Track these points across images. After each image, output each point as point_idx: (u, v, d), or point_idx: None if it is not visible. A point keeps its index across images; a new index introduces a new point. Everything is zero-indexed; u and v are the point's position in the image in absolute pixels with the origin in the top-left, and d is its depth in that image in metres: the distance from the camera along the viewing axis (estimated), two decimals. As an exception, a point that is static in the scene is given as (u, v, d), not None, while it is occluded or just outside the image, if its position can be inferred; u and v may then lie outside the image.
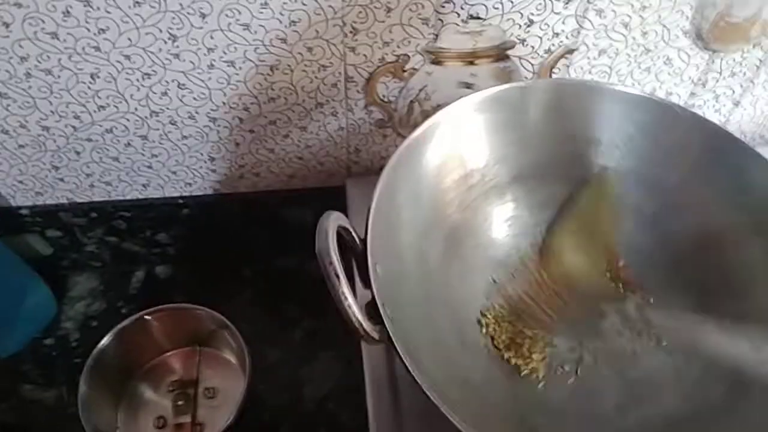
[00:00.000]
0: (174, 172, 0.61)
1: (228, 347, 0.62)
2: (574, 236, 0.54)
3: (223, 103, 0.54)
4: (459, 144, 0.50)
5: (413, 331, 0.40)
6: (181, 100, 0.54)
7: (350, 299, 0.34)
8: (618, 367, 0.48)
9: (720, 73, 0.59)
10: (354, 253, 0.41)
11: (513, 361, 0.47)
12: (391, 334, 0.36)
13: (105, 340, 0.55)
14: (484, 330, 0.48)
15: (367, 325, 0.35)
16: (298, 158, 0.61)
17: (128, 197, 0.64)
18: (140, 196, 0.64)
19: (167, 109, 0.54)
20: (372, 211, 0.41)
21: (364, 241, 0.40)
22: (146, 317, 0.57)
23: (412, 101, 0.57)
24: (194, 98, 0.54)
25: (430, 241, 0.49)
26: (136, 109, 0.54)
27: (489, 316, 0.49)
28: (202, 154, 0.59)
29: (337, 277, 0.34)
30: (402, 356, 0.36)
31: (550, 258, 0.52)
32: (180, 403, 0.58)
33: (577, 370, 0.47)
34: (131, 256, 0.71)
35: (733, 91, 0.61)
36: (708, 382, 0.45)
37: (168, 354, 0.62)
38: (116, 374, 0.57)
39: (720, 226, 0.49)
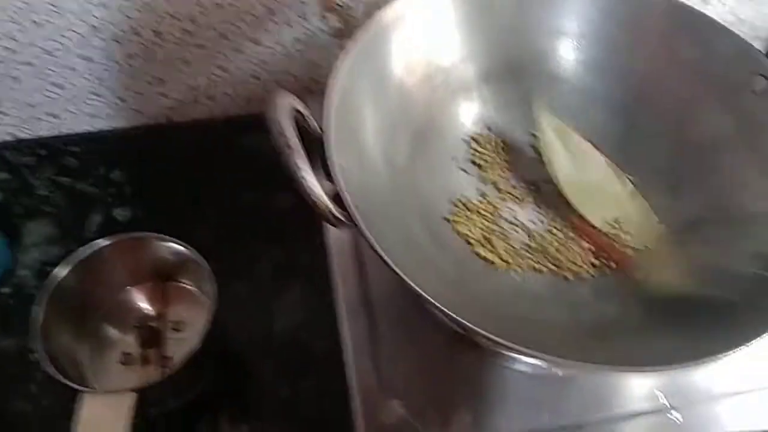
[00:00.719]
0: (123, 99, 0.58)
1: (194, 279, 0.59)
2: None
3: (168, 14, 0.51)
4: (423, 41, 0.48)
5: (382, 228, 0.38)
6: (122, 12, 0.50)
7: (305, 170, 0.32)
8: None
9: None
10: (314, 144, 0.39)
11: (486, 255, 0.46)
12: (356, 218, 0.34)
13: (60, 269, 0.52)
14: (455, 226, 0.47)
15: (326, 199, 0.33)
16: (254, 78, 0.58)
17: (77, 130, 0.60)
18: (90, 129, 0.60)
19: (109, 23, 0.51)
20: (330, 102, 0.39)
21: (323, 134, 0.38)
22: (103, 246, 0.54)
23: (371, 5, 0.55)
24: (137, 10, 0.50)
25: (395, 141, 0.47)
26: (74, 24, 0.51)
27: (459, 213, 0.47)
28: (151, 76, 0.56)
29: (289, 147, 0.32)
30: (368, 239, 0.34)
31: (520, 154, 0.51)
32: (146, 336, 0.55)
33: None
34: (86, 198, 0.67)
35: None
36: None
37: (131, 289, 0.59)
38: (76, 310, 0.54)
39: (689, 106, 0.48)
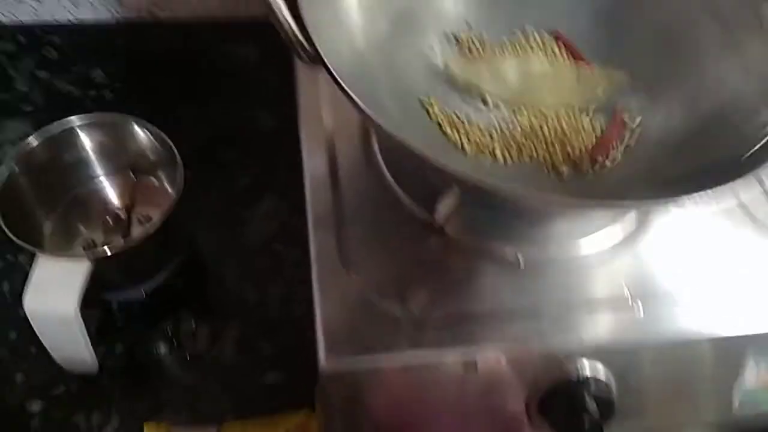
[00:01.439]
0: (106, -15, 0.57)
1: (167, 177, 0.58)
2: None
3: None
4: None
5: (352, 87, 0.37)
6: None
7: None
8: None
9: None
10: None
11: (456, 138, 0.45)
12: (321, 53, 0.34)
13: (32, 139, 0.51)
14: (428, 108, 0.46)
15: (293, 24, 0.32)
16: (242, -25, 0.58)
17: (57, 18, 0.59)
18: (71, 18, 0.59)
19: None
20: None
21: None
22: (76, 128, 0.53)
23: None
24: None
25: (374, 19, 0.46)
26: None
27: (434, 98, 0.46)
28: (135, -38, 0.55)
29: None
30: (334, 73, 0.33)
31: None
32: (111, 223, 0.54)
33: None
34: (65, 99, 0.67)
35: None
36: (659, 158, 0.43)
37: (103, 178, 0.58)
38: (44, 185, 0.53)
39: (674, 12, 0.47)
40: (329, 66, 0.32)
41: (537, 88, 0.48)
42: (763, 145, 0.36)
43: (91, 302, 0.47)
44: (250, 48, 0.63)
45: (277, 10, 0.31)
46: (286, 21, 0.32)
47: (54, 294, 0.45)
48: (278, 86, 0.55)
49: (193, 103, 0.68)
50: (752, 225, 0.48)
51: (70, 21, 0.60)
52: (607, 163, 0.44)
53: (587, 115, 0.47)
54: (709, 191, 0.31)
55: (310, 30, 0.34)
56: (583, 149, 0.44)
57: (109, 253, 0.48)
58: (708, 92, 0.44)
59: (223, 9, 0.60)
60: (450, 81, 0.47)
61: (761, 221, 0.47)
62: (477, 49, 0.49)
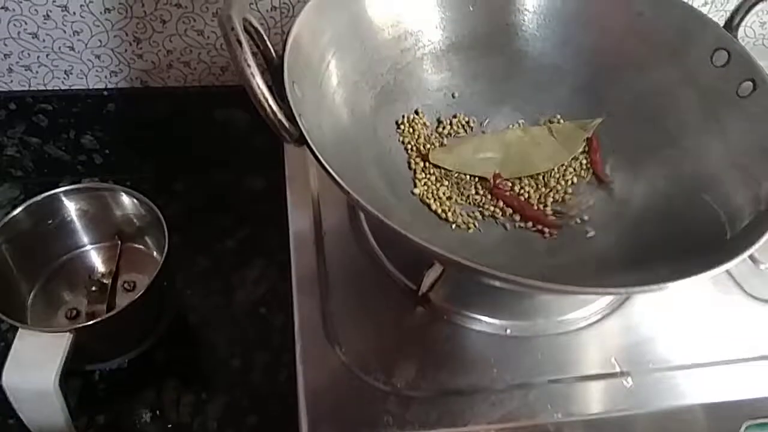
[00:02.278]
0: (98, 56, 0.58)
1: (153, 243, 0.58)
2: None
3: (148, -33, 0.52)
4: (395, 2, 0.48)
5: (336, 163, 0.38)
6: (102, -39, 0.51)
7: (254, 67, 0.32)
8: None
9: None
10: (268, 65, 0.39)
11: (442, 212, 0.45)
12: (305, 133, 0.34)
13: (16, 210, 0.51)
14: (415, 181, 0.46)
15: (273, 102, 0.32)
16: (231, 45, 0.59)
17: (49, 87, 0.60)
18: (63, 86, 0.60)
19: (88, -29, 0.52)
20: (292, 33, 0.39)
21: (281, 57, 0.38)
22: (61, 195, 0.53)
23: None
24: (116, -41, 0.51)
25: (358, 92, 0.47)
26: (53, -31, 0.51)
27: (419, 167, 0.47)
28: (126, 33, 0.57)
29: (239, 43, 0.31)
30: (317, 154, 0.33)
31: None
32: (94, 289, 0.54)
33: (505, 225, 0.45)
34: (55, 163, 0.67)
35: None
36: (643, 225, 0.44)
37: (88, 247, 0.58)
38: (28, 254, 0.53)
39: (657, 85, 0.48)
40: (313, 147, 0.33)
41: (522, 156, 0.48)
42: (747, 225, 0.36)
43: (73, 373, 0.46)
44: (240, 113, 0.64)
45: (260, 95, 0.32)
46: (269, 105, 0.32)
47: (33, 369, 0.44)
48: (268, 150, 0.56)
49: (182, 168, 0.69)
50: (738, 290, 0.47)
51: (61, 89, 0.60)
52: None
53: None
54: (694, 277, 0.31)
55: (295, 110, 0.34)
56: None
57: (91, 324, 0.47)
58: (690, 163, 0.44)
59: (212, 78, 0.61)
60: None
61: (747, 287, 0.47)
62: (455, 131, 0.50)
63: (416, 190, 0.46)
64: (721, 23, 0.46)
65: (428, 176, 0.46)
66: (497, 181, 0.46)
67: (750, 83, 0.43)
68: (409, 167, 0.47)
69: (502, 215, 0.46)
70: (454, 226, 0.44)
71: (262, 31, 0.38)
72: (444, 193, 0.46)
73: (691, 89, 0.46)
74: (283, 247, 0.51)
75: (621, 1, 0.49)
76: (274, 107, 0.32)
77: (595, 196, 0.48)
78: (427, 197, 0.45)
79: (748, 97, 0.43)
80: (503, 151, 0.48)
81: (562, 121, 0.51)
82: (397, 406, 0.38)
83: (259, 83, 0.32)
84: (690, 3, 0.58)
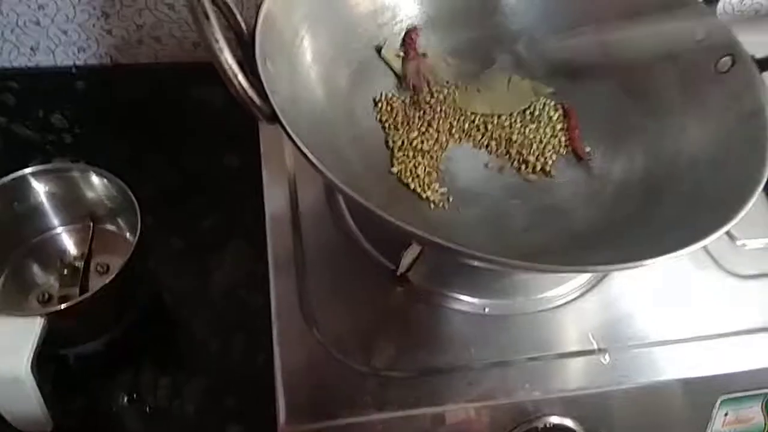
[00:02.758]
0: (65, 32, 0.56)
1: (126, 225, 0.57)
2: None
3: (114, -63, 0.50)
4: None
5: (311, 142, 0.37)
6: (66, -69, 0.49)
7: (222, 42, 0.31)
8: (529, 198, 0.46)
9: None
10: (239, 39, 0.38)
11: (417, 189, 0.45)
12: (277, 111, 0.33)
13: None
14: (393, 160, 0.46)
15: (242, 77, 0.31)
16: (203, 20, 0.57)
17: (15, 64, 0.58)
18: (29, 64, 0.58)
19: (51, -58, 0.50)
20: (264, 7, 0.38)
21: (252, 33, 0.37)
22: (29, 176, 0.51)
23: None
24: (81, -71, 0.49)
25: (334, 69, 0.46)
26: (16, -60, 0.49)
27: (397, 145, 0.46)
28: (94, 8, 0.55)
29: (207, 16, 0.30)
30: (290, 134, 0.33)
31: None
32: (66, 273, 0.52)
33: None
34: (24, 143, 0.65)
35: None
36: (621, 200, 0.43)
37: (60, 229, 0.56)
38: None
39: (637, 58, 0.48)
40: (286, 126, 0.32)
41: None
42: (724, 201, 0.36)
43: (47, 358, 0.45)
44: (213, 90, 0.62)
45: (229, 72, 0.31)
46: (239, 82, 0.31)
47: (3, 354, 0.43)
48: (244, 128, 0.54)
49: (155, 148, 0.67)
50: (714, 265, 0.48)
51: (27, 66, 0.58)
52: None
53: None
54: (672, 254, 0.30)
55: (268, 88, 0.33)
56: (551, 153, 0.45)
57: (63, 307, 0.46)
58: (670, 138, 0.44)
59: (184, 54, 0.60)
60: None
61: (723, 263, 0.48)
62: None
63: (394, 169, 0.45)
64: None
65: (406, 154, 0.46)
66: None
67: (729, 58, 0.43)
68: (387, 146, 0.47)
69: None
70: (432, 205, 0.44)
71: (232, 5, 0.36)
72: (422, 172, 0.45)
73: (672, 65, 0.45)
74: (260, 228, 0.50)
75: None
76: (245, 84, 0.31)
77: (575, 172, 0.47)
78: (406, 176, 0.45)
79: (727, 72, 0.42)
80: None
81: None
82: (375, 387, 0.38)
83: (227, 59, 0.31)
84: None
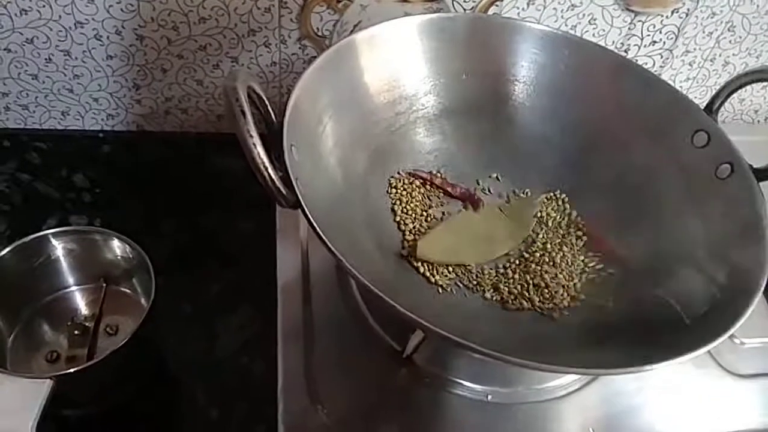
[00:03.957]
0: (96, 99, 0.59)
1: (139, 287, 0.58)
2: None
3: (152, 19, 0.53)
4: (391, 64, 0.50)
5: (326, 222, 0.38)
6: (107, 11, 0.52)
7: (256, 138, 0.33)
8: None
9: (641, 39, 0.61)
10: (268, 128, 0.40)
11: (426, 273, 0.46)
12: (301, 198, 0.35)
13: (3, 251, 0.51)
14: (403, 243, 0.47)
15: (272, 170, 0.33)
16: (228, 95, 0.60)
17: (45, 126, 0.61)
18: (58, 126, 0.61)
19: (93, 20, 0.53)
20: (292, 98, 0.41)
21: (281, 122, 0.39)
22: (50, 237, 0.53)
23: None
24: (122, 9, 0.52)
25: (353, 153, 0.48)
26: (60, 17, 0.52)
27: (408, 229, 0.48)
28: (126, 80, 0.58)
29: (243, 114, 0.33)
30: (311, 220, 0.34)
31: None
32: (77, 333, 0.53)
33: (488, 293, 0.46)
34: (44, 200, 0.67)
35: (654, 62, 0.64)
36: (622, 297, 0.45)
37: (73, 288, 0.57)
38: (11, 295, 0.52)
39: (640, 163, 0.50)
40: (309, 215, 0.34)
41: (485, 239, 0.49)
42: (728, 304, 0.37)
43: (50, 418, 0.46)
44: (234, 159, 0.65)
45: (260, 164, 0.33)
46: (268, 174, 0.33)
47: (10, 415, 0.43)
48: (260, 197, 0.56)
49: (172, 211, 0.69)
50: (714, 364, 0.49)
51: (56, 129, 0.61)
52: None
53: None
54: (672, 360, 0.32)
55: (293, 174, 0.35)
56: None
57: (72, 371, 0.47)
58: (668, 239, 0.46)
59: (208, 125, 0.62)
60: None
61: (723, 362, 0.49)
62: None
63: (404, 252, 0.47)
64: (702, 97, 0.48)
65: (417, 239, 0.47)
66: None
67: (728, 166, 0.45)
68: (399, 228, 0.48)
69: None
70: (440, 290, 0.45)
71: (264, 97, 0.39)
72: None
73: (672, 169, 0.48)
74: (268, 295, 0.51)
75: (608, 81, 0.51)
76: (273, 176, 0.33)
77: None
78: (415, 260, 0.46)
79: (726, 179, 0.44)
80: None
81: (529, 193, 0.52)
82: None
83: (260, 153, 0.33)
84: (673, 81, 0.61)
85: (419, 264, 0.46)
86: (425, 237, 0.47)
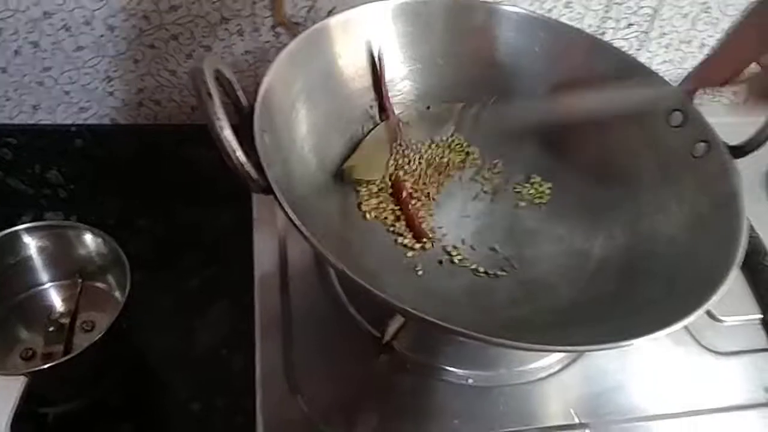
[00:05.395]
0: (67, 92, 0.58)
1: (115, 282, 0.57)
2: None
3: (122, 8, 0.52)
4: (366, 50, 0.49)
5: (302, 209, 0.38)
6: (76, 1, 0.51)
7: (223, 120, 0.32)
8: (513, 271, 0.47)
9: (617, 22, 0.61)
10: (240, 114, 0.39)
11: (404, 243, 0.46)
12: (272, 183, 0.34)
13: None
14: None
15: (241, 153, 0.33)
16: (203, 86, 0.59)
17: (16, 121, 0.60)
18: (30, 121, 0.60)
19: (61, 10, 0.52)
20: (264, 83, 0.40)
21: (251, 106, 0.38)
22: (22, 232, 0.52)
23: (321, 24, 0.57)
24: (92, -1, 0.51)
25: (328, 140, 0.47)
26: (27, 7, 0.51)
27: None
28: (98, 71, 0.57)
29: (210, 95, 0.32)
30: (282, 204, 0.34)
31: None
32: (51, 329, 0.53)
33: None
34: (18, 196, 0.66)
35: (631, 45, 0.64)
36: (601, 276, 0.45)
37: (48, 285, 0.56)
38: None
39: (617, 143, 0.50)
40: (280, 200, 0.33)
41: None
42: (700, 281, 0.37)
43: (26, 416, 0.45)
44: (209, 151, 0.64)
45: (228, 148, 0.32)
46: (237, 157, 0.33)
47: (-17, 414, 0.43)
48: (237, 189, 0.56)
49: (149, 205, 0.68)
50: (694, 342, 0.49)
51: (28, 123, 0.60)
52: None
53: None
54: (651, 335, 0.32)
55: (264, 161, 0.35)
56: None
57: (46, 367, 0.46)
58: (647, 219, 0.46)
59: (182, 116, 0.61)
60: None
61: (702, 340, 0.49)
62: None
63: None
64: (679, 80, 0.48)
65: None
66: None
67: (704, 144, 0.45)
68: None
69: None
70: (420, 272, 0.45)
71: (233, 81, 0.38)
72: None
73: (649, 149, 0.48)
74: (247, 287, 0.51)
75: (585, 64, 0.50)
76: (242, 159, 0.33)
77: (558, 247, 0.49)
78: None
79: (702, 157, 0.44)
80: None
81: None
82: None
83: (227, 135, 0.32)
84: (650, 64, 0.61)
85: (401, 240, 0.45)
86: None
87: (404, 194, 0.47)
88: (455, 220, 0.49)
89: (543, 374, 0.44)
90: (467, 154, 0.53)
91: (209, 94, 0.32)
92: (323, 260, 0.33)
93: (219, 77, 0.36)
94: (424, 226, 0.47)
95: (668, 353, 0.47)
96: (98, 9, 0.52)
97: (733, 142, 0.44)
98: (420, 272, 0.45)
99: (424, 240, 0.45)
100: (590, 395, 0.44)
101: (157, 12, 0.53)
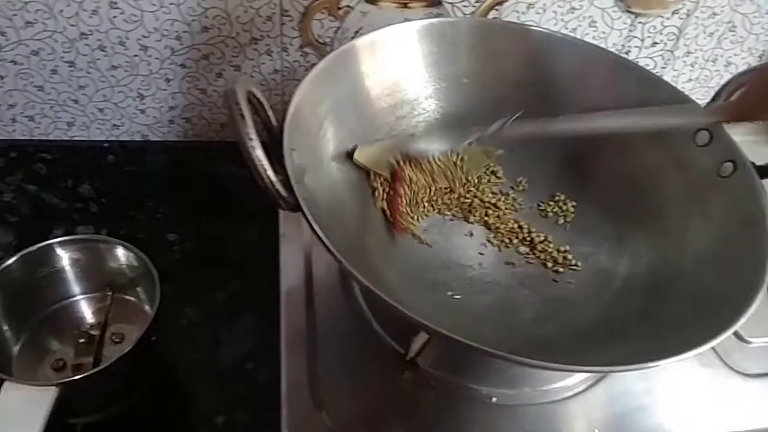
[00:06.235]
0: (101, 110, 0.60)
1: (145, 295, 0.58)
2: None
3: (155, 29, 0.54)
4: (391, 69, 0.50)
5: (329, 226, 0.39)
6: (111, 22, 0.53)
7: (255, 140, 0.33)
8: (538, 288, 0.47)
9: (642, 41, 0.61)
10: (269, 134, 0.40)
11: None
12: (300, 201, 0.35)
13: (9, 258, 0.51)
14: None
15: (271, 173, 0.34)
16: (231, 104, 0.61)
17: (51, 137, 0.61)
18: (64, 137, 0.62)
19: (97, 31, 0.54)
20: (293, 103, 0.41)
21: (281, 125, 0.39)
22: (56, 245, 0.54)
23: (348, 44, 0.58)
24: (125, 20, 0.53)
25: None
26: (65, 28, 0.53)
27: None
28: (131, 89, 0.58)
29: (242, 116, 0.33)
30: (311, 221, 0.35)
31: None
32: (82, 341, 0.54)
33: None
34: (51, 211, 0.68)
35: (656, 64, 0.64)
36: (627, 295, 0.44)
37: (79, 297, 0.58)
38: (18, 304, 0.53)
39: (643, 161, 0.50)
40: (309, 218, 0.34)
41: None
42: (728, 301, 0.37)
43: (56, 427, 0.46)
44: (236, 167, 0.65)
45: (259, 167, 0.33)
46: (267, 176, 0.33)
47: (16, 423, 0.44)
48: (264, 204, 0.57)
49: (178, 220, 0.69)
50: (721, 364, 0.48)
51: (62, 139, 0.62)
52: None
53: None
54: (678, 357, 0.32)
55: (293, 178, 0.36)
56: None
57: (77, 378, 0.47)
58: (673, 239, 0.46)
59: (212, 133, 0.63)
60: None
61: (729, 361, 0.48)
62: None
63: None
64: (705, 98, 0.48)
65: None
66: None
67: (731, 164, 0.44)
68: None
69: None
70: (449, 292, 0.45)
71: (264, 102, 0.39)
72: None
73: (675, 168, 0.47)
74: (272, 302, 0.51)
75: (610, 82, 0.51)
76: (273, 178, 0.33)
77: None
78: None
79: (729, 177, 0.44)
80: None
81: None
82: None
83: (259, 156, 0.33)
84: (675, 83, 0.61)
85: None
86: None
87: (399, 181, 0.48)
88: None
89: (567, 394, 0.44)
90: (492, 173, 0.53)
91: (242, 116, 0.32)
92: (349, 276, 0.34)
93: (250, 98, 0.37)
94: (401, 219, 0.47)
95: (694, 374, 0.47)
96: (132, 30, 0.54)
97: (760, 162, 0.44)
98: (448, 292, 0.45)
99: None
100: (615, 416, 0.44)
101: (189, 33, 0.55)
